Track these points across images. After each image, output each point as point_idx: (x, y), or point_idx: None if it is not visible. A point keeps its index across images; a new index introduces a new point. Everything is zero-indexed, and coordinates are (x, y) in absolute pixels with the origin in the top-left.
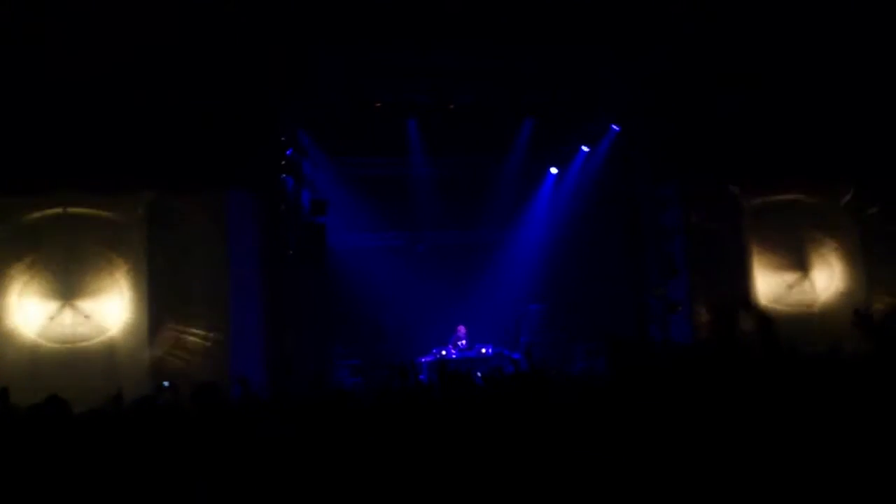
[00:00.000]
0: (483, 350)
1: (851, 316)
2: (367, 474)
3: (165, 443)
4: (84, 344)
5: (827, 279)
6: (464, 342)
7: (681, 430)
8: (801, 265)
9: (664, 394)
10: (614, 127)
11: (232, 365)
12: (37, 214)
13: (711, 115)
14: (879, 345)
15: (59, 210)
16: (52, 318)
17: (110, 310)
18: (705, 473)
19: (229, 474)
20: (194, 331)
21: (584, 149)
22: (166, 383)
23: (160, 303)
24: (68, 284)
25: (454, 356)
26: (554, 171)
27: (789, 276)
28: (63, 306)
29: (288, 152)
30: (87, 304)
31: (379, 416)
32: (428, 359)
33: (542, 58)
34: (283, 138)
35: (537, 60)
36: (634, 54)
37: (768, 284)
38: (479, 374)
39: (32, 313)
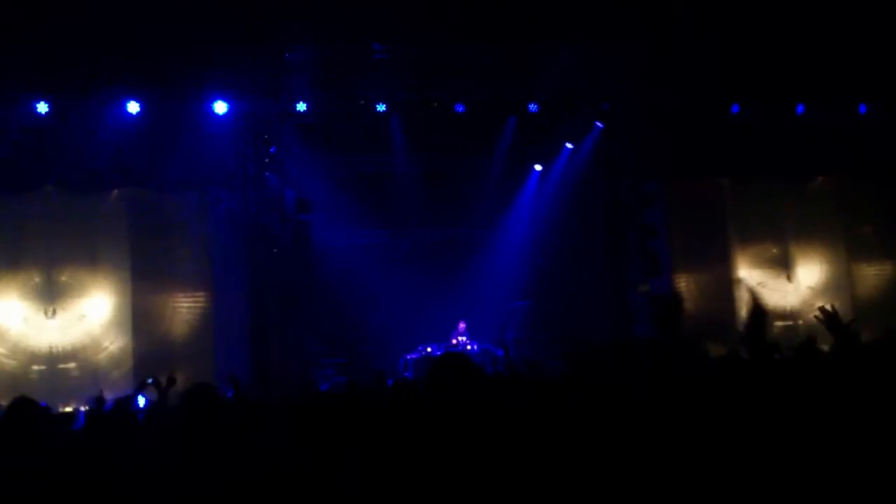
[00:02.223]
0: (469, 347)
1: (817, 313)
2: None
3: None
4: (67, 344)
5: (811, 275)
6: (464, 338)
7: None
8: (785, 262)
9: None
10: (598, 124)
11: (217, 363)
12: (19, 213)
13: (696, 113)
14: (841, 342)
15: (41, 209)
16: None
17: (93, 309)
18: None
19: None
20: (179, 329)
21: (569, 146)
22: (150, 380)
23: (143, 302)
24: (51, 284)
25: (439, 353)
26: (538, 168)
27: (773, 273)
28: (46, 306)
29: (272, 150)
30: (70, 304)
31: (365, 415)
32: (413, 356)
33: (526, 55)
34: (266, 136)
35: (521, 58)
36: (618, 52)
37: (752, 281)
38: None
39: (14, 313)
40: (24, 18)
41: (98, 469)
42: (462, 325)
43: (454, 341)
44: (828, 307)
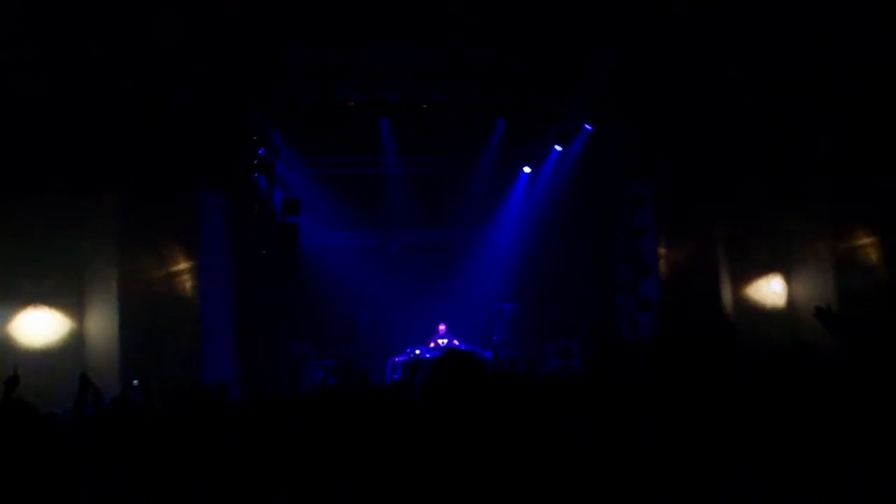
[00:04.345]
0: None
1: (813, 310)
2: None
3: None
4: (53, 345)
5: (798, 276)
6: (445, 340)
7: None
8: (772, 263)
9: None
10: (587, 126)
11: (204, 365)
12: (6, 214)
13: (683, 114)
14: (843, 341)
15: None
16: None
17: (80, 311)
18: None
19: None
20: (165, 331)
21: (557, 148)
22: (136, 382)
23: (131, 304)
24: (38, 285)
25: (427, 356)
26: (527, 170)
27: (760, 275)
28: (31, 307)
29: (260, 152)
30: (57, 305)
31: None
32: (402, 358)
33: (514, 57)
34: (254, 138)
35: (510, 60)
36: (606, 54)
37: (739, 283)
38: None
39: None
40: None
41: None
42: (442, 328)
43: (433, 344)
44: (822, 306)
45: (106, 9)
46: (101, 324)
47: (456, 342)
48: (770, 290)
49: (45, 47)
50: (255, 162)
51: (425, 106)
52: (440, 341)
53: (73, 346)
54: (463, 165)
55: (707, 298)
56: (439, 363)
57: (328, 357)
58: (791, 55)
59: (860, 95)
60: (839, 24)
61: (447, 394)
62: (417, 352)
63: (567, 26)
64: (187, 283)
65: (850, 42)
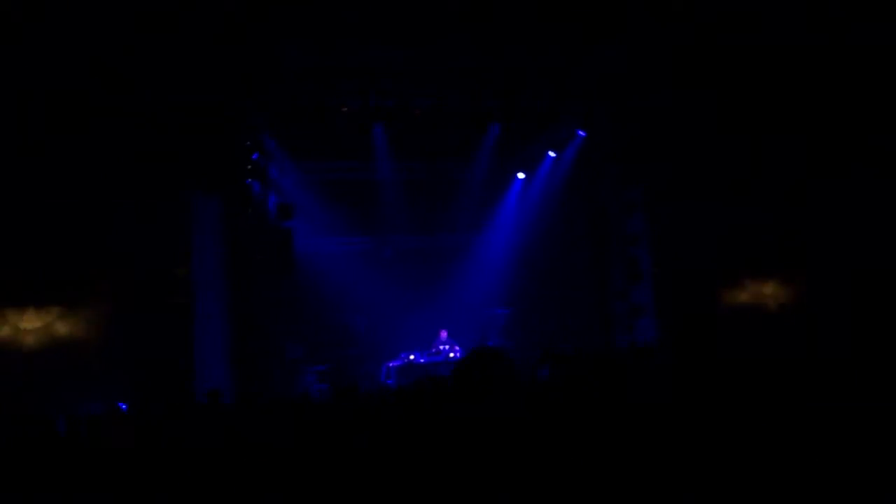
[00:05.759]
0: (451, 354)
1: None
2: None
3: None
4: (48, 350)
5: (791, 282)
6: (446, 347)
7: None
8: (765, 268)
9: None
10: (580, 132)
11: (197, 371)
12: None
13: (676, 119)
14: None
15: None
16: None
17: (76, 316)
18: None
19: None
20: (159, 336)
21: (551, 154)
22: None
23: (124, 308)
24: (33, 290)
25: (422, 361)
26: (521, 176)
27: (753, 279)
28: (28, 312)
29: (254, 157)
30: (52, 310)
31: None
32: (396, 363)
33: (507, 62)
34: (248, 143)
35: (503, 64)
36: (599, 57)
37: (732, 287)
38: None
39: None
40: None
41: None
42: (444, 334)
43: (435, 350)
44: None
45: (102, 11)
46: (95, 329)
47: (458, 348)
48: (765, 293)
49: (41, 49)
50: (249, 167)
51: (418, 112)
52: (442, 346)
53: (68, 350)
54: (457, 171)
55: (700, 304)
56: (469, 359)
57: (322, 361)
58: (787, 60)
59: (860, 98)
60: (836, 25)
61: (478, 389)
62: (412, 357)
63: (562, 30)
64: (181, 290)
65: (849, 44)
